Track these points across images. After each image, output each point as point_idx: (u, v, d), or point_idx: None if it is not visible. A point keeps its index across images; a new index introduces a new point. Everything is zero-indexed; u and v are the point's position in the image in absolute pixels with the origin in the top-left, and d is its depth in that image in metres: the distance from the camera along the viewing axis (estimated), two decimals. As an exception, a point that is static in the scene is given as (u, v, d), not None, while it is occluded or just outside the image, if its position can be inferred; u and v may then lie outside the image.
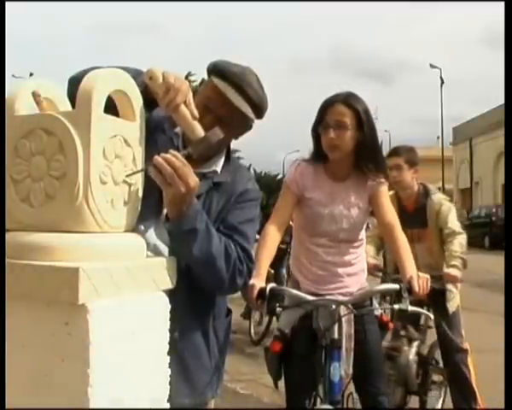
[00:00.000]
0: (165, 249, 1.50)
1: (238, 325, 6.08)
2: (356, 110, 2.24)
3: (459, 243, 3.22)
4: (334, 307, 2.17)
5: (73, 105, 1.19)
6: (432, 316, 3.04)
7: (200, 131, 1.35)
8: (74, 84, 1.29)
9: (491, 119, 29.44)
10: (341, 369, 2.15)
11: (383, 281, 3.13)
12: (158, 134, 1.57)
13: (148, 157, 1.28)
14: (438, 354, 3.53)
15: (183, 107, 1.34)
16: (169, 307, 1.25)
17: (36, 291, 1.07)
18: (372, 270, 3.09)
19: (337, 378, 2.13)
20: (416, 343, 3.40)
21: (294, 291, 2.26)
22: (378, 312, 2.46)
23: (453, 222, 3.27)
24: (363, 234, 2.47)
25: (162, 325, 1.24)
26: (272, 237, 2.25)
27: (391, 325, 2.66)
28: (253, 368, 5.08)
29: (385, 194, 2.43)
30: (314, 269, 2.38)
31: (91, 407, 1.04)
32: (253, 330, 6.02)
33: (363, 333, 2.30)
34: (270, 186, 47.02)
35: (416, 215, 3.28)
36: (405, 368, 3.26)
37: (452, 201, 3.58)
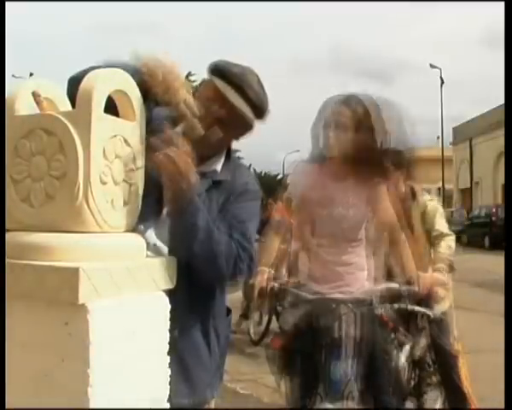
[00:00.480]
0: (164, 249, 1.49)
1: (238, 325, 6.08)
2: (355, 111, 2.24)
3: (447, 245, 3.16)
4: (334, 305, 2.17)
5: (73, 105, 1.19)
6: (431, 314, 3.01)
7: (199, 130, 1.36)
8: (74, 84, 1.29)
9: (491, 119, 29.43)
10: (341, 368, 2.15)
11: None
12: (158, 134, 1.57)
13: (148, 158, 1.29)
14: (432, 356, 3.52)
15: (183, 106, 1.35)
16: (169, 307, 1.25)
17: (36, 291, 1.07)
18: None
19: (337, 377, 2.13)
20: (407, 347, 3.38)
21: (295, 290, 2.25)
22: (378, 311, 2.46)
23: (440, 223, 3.21)
24: (362, 234, 2.47)
25: (162, 325, 1.24)
26: (273, 238, 2.25)
27: (391, 325, 2.66)
28: (253, 368, 5.08)
29: (383, 194, 2.43)
30: (314, 269, 2.38)
31: (91, 407, 1.04)
32: (252, 330, 6.01)
33: (363, 332, 2.30)
34: (271, 186, 47.20)
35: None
36: (396, 373, 3.25)
37: (445, 202, 3.54)
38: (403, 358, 3.21)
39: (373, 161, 2.31)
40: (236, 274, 1.48)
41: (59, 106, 1.26)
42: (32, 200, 1.16)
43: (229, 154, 1.68)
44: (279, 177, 52.34)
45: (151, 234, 1.50)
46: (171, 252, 1.46)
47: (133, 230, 1.28)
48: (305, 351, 2.25)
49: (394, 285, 2.22)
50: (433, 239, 3.18)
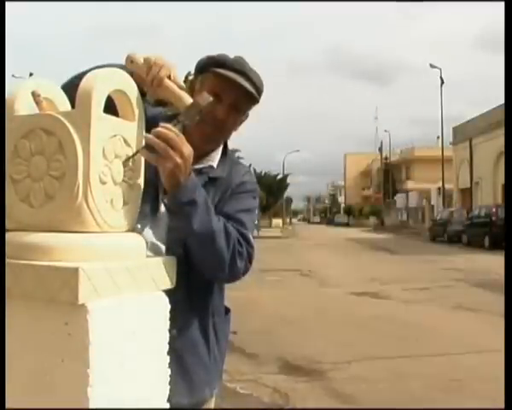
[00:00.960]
0: (162, 248, 1.50)
1: (238, 325, 6.09)
2: None
3: None
4: None
5: (72, 106, 1.20)
6: None
7: (188, 98, 1.36)
8: (67, 90, 1.30)
9: (491, 119, 29.45)
10: None
11: None
12: (152, 129, 1.58)
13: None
14: None
15: (167, 80, 1.35)
16: (169, 306, 1.25)
17: (36, 291, 1.07)
18: None
19: None
20: None
21: None
22: None
23: None
24: None
25: (162, 325, 1.24)
26: None
27: None
28: (253, 368, 5.09)
29: None
30: None
31: (91, 407, 1.04)
32: None
33: None
34: (270, 186, 47.21)
35: None
36: None
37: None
38: None
39: None
40: (236, 257, 1.46)
41: (58, 106, 1.26)
42: (32, 200, 1.16)
43: (225, 150, 1.68)
44: (279, 177, 52.51)
45: (148, 232, 1.50)
46: (170, 232, 1.47)
47: (133, 230, 1.28)
48: None
49: None
50: None
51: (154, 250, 1.47)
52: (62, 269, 1.05)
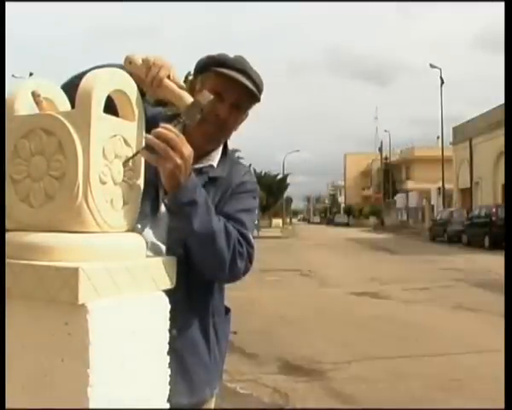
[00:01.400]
0: (162, 248, 1.50)
1: (238, 325, 6.09)
2: None
3: None
4: None
5: (72, 106, 1.20)
6: None
7: (188, 97, 1.36)
8: (67, 90, 1.30)
9: (491, 119, 29.44)
10: None
11: None
12: (152, 129, 1.58)
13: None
14: None
15: (166, 80, 1.35)
16: (168, 306, 1.25)
17: (35, 291, 1.07)
18: None
19: None
20: None
21: None
22: None
23: None
24: None
25: (162, 325, 1.24)
26: None
27: None
28: (253, 368, 5.09)
29: None
30: None
31: (91, 407, 1.04)
32: None
33: None
34: (270, 186, 47.22)
35: None
36: None
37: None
38: None
39: None
40: (236, 257, 1.46)
41: (58, 106, 1.26)
42: (32, 200, 1.16)
43: (225, 150, 1.69)
44: (279, 177, 52.53)
45: (148, 232, 1.50)
46: (170, 232, 1.47)
47: (133, 230, 1.28)
48: None
49: None
50: None
51: (155, 250, 1.47)
52: (62, 269, 1.05)
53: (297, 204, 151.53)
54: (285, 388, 4.52)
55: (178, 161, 1.29)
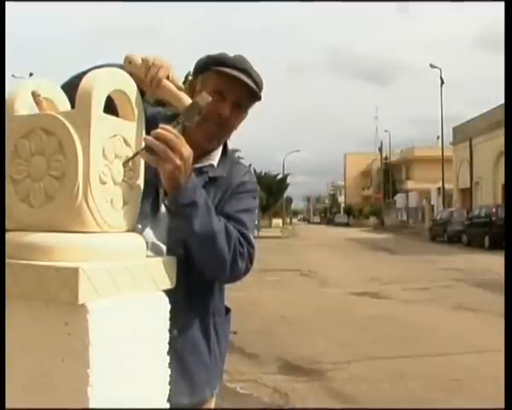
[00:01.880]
0: (162, 248, 1.49)
1: (238, 325, 6.09)
2: None
3: None
4: None
5: (72, 106, 1.20)
6: None
7: (186, 98, 1.36)
8: (67, 90, 1.30)
9: (491, 119, 29.44)
10: None
11: None
12: (152, 129, 1.58)
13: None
14: None
15: (165, 81, 1.35)
16: (169, 306, 1.25)
17: (35, 291, 1.07)
18: None
19: None
20: None
21: None
22: None
23: None
24: None
25: (162, 325, 1.24)
26: None
27: None
28: (253, 368, 5.09)
29: None
30: None
31: (91, 406, 1.04)
32: None
33: None
34: (270, 186, 47.21)
35: None
36: None
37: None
38: None
39: None
40: (237, 257, 1.46)
41: (58, 106, 1.26)
42: (32, 200, 1.16)
43: (225, 150, 1.69)
44: (279, 177, 52.53)
45: (148, 232, 1.50)
46: (170, 232, 1.46)
47: (133, 230, 1.28)
48: None
49: None
50: None
51: (155, 250, 1.47)
52: (62, 269, 1.05)
53: (297, 204, 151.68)
54: (285, 388, 4.52)
55: (178, 161, 1.29)
